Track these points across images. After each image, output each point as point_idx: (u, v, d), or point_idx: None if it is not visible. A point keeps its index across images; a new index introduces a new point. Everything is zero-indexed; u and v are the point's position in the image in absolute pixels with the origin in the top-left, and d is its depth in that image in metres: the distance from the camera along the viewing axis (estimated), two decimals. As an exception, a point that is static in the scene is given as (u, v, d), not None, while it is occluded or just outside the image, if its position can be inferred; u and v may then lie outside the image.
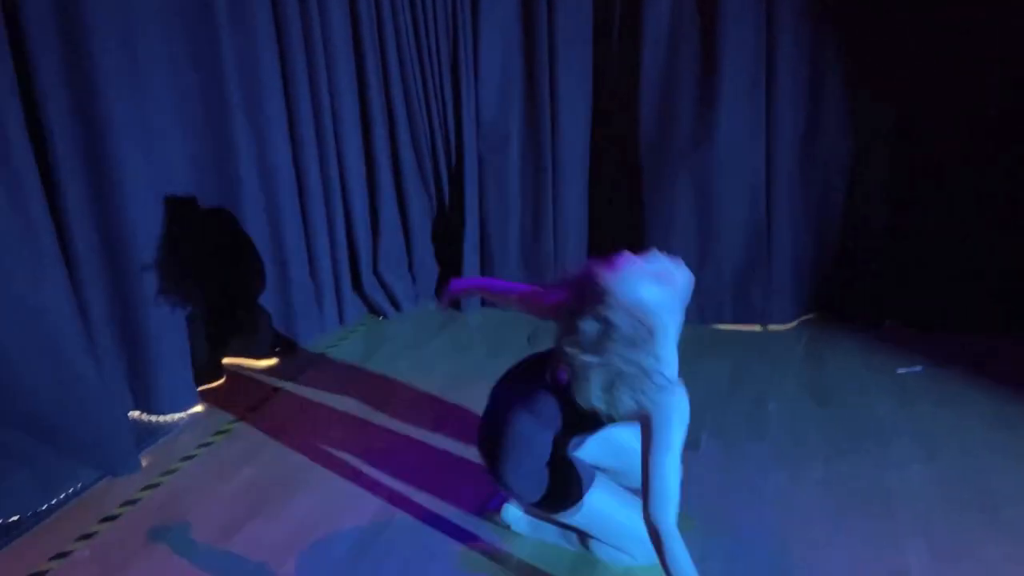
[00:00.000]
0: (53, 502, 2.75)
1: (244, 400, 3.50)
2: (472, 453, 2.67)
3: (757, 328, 3.94)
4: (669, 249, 3.79)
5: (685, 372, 3.42)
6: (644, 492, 2.00)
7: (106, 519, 2.69)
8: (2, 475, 2.62)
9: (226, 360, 3.81)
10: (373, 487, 2.78)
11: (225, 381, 3.68)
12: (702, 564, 2.24)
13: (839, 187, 3.82)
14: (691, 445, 2.86)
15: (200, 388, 3.52)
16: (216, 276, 3.65)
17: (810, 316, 3.99)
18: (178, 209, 3.28)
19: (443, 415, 3.25)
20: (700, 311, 3.99)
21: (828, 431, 2.97)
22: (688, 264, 3.82)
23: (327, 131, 3.95)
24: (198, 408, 3.42)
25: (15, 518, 2.66)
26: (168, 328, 3.24)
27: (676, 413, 2.00)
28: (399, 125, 4.16)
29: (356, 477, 2.84)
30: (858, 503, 2.54)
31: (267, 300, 3.87)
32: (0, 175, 2.58)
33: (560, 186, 4.12)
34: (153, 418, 3.30)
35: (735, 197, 3.84)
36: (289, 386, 3.62)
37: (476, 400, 3.21)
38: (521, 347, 3.76)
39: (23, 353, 2.64)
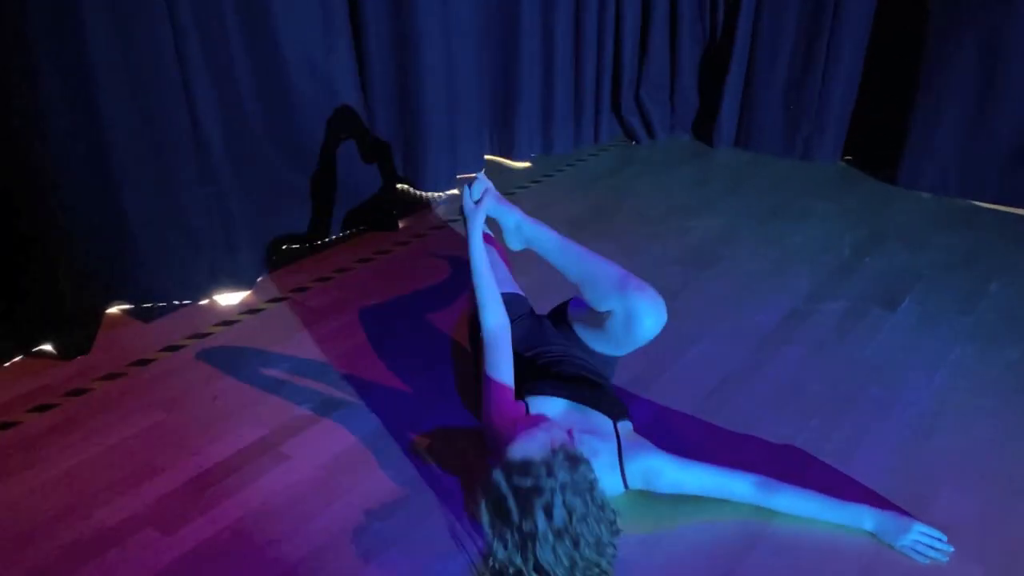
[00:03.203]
0: (319, 242, 3.38)
1: (497, 189, 3.91)
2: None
3: (1021, 212, 3.66)
4: (940, 110, 3.63)
5: (919, 240, 3.36)
6: None
7: (361, 260, 3.27)
8: (290, 209, 3.25)
9: (487, 156, 4.24)
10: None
11: (483, 174, 4.11)
12: (846, 416, 2.35)
13: None
14: (891, 305, 2.91)
15: (459, 176, 3.99)
16: (486, 82, 4.01)
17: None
18: (456, 15, 3.62)
19: (659, 235, 3.45)
20: (961, 183, 3.77)
21: (1048, 322, 2.83)
22: (959, 125, 3.64)
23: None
24: (455, 191, 3.90)
25: (295, 247, 3.32)
26: (438, 115, 3.67)
27: None
28: (683, -50, 4.18)
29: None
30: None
31: (531, 109, 4.18)
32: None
33: (838, 33, 3.95)
34: (416, 192, 3.82)
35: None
36: (536, 185, 4.00)
37: (696, 229, 3.41)
38: (756, 189, 3.78)
39: (312, 112, 3.19)
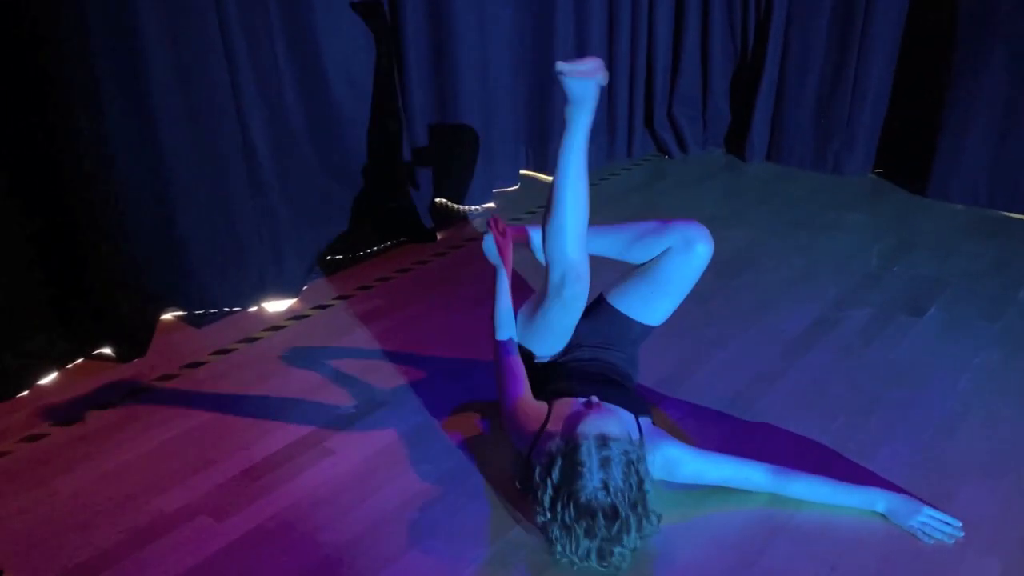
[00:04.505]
0: (360, 253, 3.52)
1: (531, 203, 4.04)
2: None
3: (1051, 221, 3.70)
4: (969, 123, 3.68)
5: (948, 250, 3.41)
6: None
7: (401, 270, 3.40)
8: (334, 221, 3.40)
9: (523, 171, 4.36)
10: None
11: (519, 188, 4.24)
12: (870, 416, 2.42)
13: None
14: (917, 312, 2.97)
15: (496, 190, 4.11)
16: (521, 100, 4.14)
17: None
18: (493, 31, 3.76)
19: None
20: (990, 194, 3.81)
21: (1075, 329, 2.86)
22: (988, 137, 3.68)
23: (643, -30, 4.21)
24: (491, 204, 4.02)
25: (338, 257, 3.47)
26: (477, 133, 3.81)
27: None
28: (714, -31, 4.29)
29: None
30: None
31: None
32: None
33: (867, 47, 4.02)
34: (454, 206, 3.95)
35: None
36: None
37: (727, 239, 3.49)
38: (787, 201, 3.87)
39: (354, 129, 3.34)
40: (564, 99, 2.10)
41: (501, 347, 2.24)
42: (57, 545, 2.00)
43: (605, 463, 1.81)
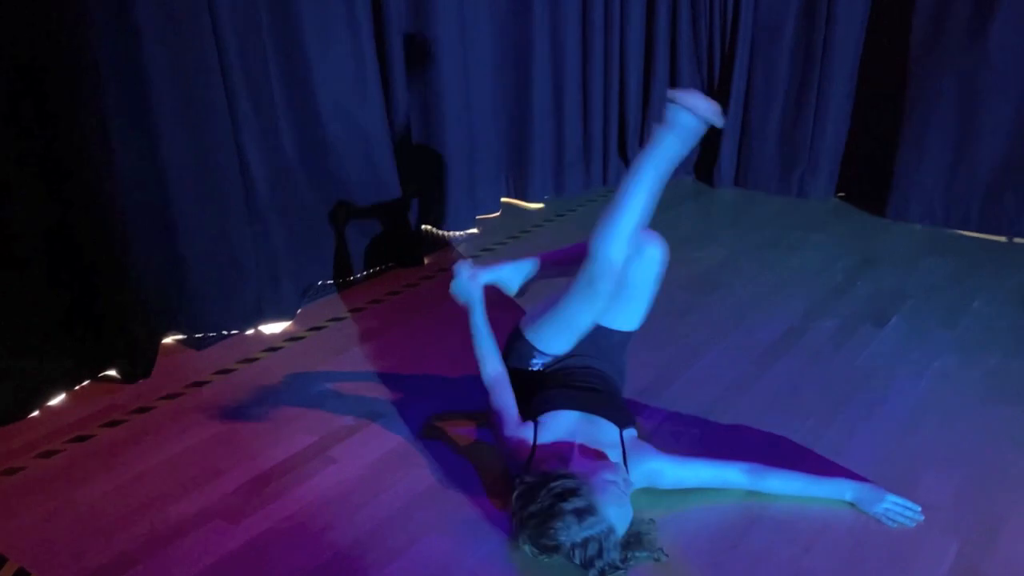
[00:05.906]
0: (352, 277, 3.67)
1: (512, 229, 4.22)
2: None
3: (1002, 239, 3.93)
4: (924, 149, 3.93)
5: (907, 265, 3.63)
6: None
7: (391, 293, 3.56)
8: (327, 247, 3.55)
9: (504, 199, 4.55)
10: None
11: (500, 214, 4.42)
12: (839, 415, 2.60)
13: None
14: (880, 322, 3.17)
15: (479, 216, 4.29)
16: (502, 131, 4.34)
17: (1067, 235, 3.90)
18: (476, 69, 3.97)
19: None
20: (945, 214, 4.05)
21: (1024, 335, 3.08)
22: (942, 162, 3.92)
23: (614, 8, 4.43)
24: (474, 230, 4.20)
25: (330, 282, 3.61)
26: (459, 161, 4.00)
27: None
28: (681, 5, 4.53)
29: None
30: (1013, 396, 2.69)
31: (543, 155, 4.50)
32: (348, 22, 3.40)
33: (827, 79, 4.27)
34: (439, 231, 4.12)
35: (1002, 98, 3.81)
36: (550, 224, 4.29)
37: (700, 259, 3.69)
38: (755, 223, 4.05)
39: (346, 159, 3.50)
40: (658, 119, 2.27)
41: (490, 381, 2.40)
42: (80, 549, 2.12)
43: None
